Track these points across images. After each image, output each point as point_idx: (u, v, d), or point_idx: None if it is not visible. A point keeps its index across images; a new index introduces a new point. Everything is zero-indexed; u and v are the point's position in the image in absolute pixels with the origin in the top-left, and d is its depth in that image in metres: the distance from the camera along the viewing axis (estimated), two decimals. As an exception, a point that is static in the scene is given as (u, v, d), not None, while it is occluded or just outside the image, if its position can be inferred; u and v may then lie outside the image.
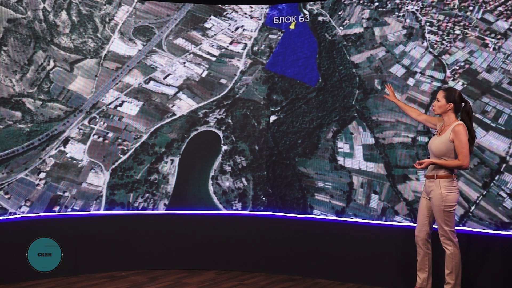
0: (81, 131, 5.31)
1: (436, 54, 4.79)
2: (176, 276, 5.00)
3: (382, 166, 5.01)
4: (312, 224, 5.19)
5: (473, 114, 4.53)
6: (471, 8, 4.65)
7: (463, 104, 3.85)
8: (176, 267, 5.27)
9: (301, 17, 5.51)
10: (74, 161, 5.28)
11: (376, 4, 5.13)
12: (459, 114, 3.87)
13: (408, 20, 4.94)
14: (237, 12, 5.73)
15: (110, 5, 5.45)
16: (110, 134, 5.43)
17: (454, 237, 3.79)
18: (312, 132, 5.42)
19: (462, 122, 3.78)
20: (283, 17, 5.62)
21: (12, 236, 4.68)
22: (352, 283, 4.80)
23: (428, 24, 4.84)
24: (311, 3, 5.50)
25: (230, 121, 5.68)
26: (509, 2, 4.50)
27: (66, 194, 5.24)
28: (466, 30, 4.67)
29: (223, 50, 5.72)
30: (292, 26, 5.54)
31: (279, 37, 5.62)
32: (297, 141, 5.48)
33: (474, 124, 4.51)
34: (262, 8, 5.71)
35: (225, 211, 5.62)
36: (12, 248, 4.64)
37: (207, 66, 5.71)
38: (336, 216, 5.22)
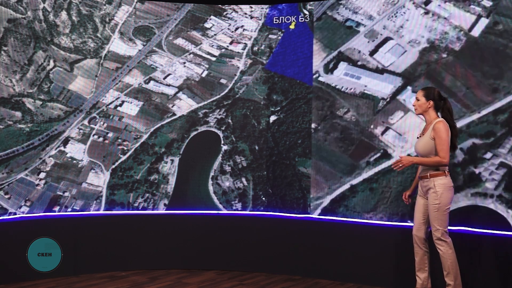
0: (81, 131, 5.31)
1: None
2: (176, 276, 4.99)
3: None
4: (312, 224, 5.18)
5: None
6: None
7: (442, 102, 3.90)
8: (176, 267, 5.27)
9: (301, 17, 5.51)
10: (74, 161, 5.28)
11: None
12: (440, 112, 3.92)
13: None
14: (237, 12, 5.73)
15: (110, 5, 5.45)
16: (110, 134, 5.43)
17: (446, 237, 3.78)
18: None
19: (442, 119, 3.83)
20: (283, 17, 5.61)
21: (12, 236, 4.67)
22: (352, 283, 4.79)
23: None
24: (311, 3, 5.50)
25: (230, 121, 5.69)
26: None
27: (66, 194, 5.24)
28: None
29: (223, 50, 5.72)
30: (292, 26, 5.54)
31: (279, 37, 5.62)
32: (297, 141, 5.48)
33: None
34: (262, 8, 5.71)
35: (225, 211, 5.62)
36: (12, 248, 4.64)
37: (207, 66, 5.71)
38: (336, 216, 5.23)
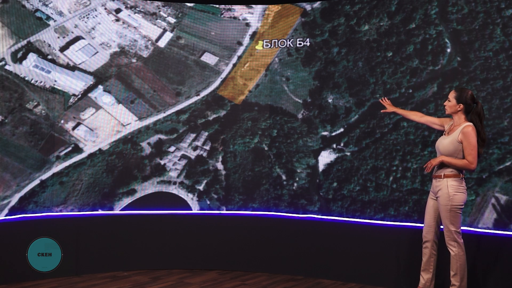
0: None
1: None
2: (178, 276, 4.95)
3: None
4: (314, 224, 5.08)
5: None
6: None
7: (474, 105, 3.75)
8: (178, 267, 5.20)
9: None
10: None
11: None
12: (469, 115, 3.77)
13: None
14: None
15: None
16: None
17: (459, 238, 3.70)
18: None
19: (471, 124, 3.70)
20: None
21: (12, 236, 4.61)
22: (354, 283, 4.74)
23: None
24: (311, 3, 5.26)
25: None
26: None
27: None
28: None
29: None
30: None
31: None
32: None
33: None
34: None
35: (226, 211, 5.41)
36: (12, 248, 4.57)
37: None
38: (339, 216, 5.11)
